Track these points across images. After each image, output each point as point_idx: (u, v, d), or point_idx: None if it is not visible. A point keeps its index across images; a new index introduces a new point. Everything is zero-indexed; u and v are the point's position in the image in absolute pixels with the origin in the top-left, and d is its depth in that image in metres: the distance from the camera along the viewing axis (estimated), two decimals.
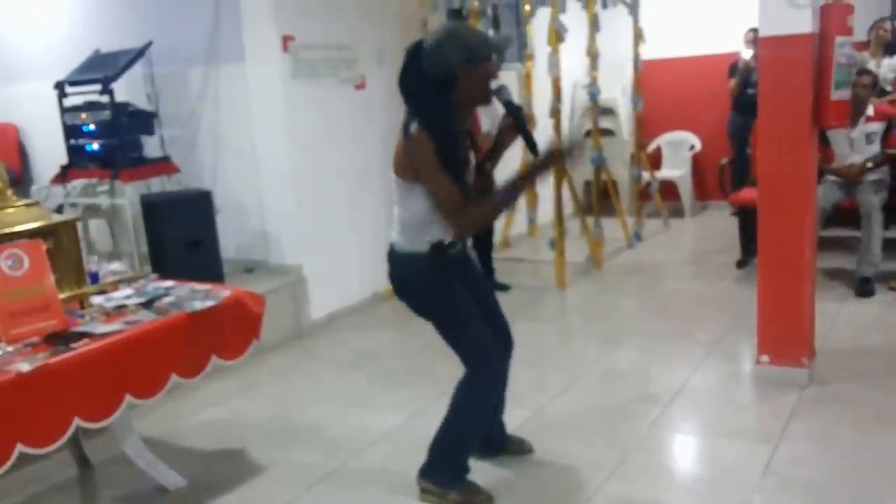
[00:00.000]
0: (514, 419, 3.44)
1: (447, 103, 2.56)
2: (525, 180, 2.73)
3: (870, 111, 5.15)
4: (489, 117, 5.42)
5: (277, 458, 3.30)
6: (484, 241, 5.62)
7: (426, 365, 4.29)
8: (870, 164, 5.11)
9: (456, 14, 6.10)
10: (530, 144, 2.67)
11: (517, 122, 2.68)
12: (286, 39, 4.78)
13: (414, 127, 2.55)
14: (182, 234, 4.46)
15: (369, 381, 4.13)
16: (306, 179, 5.00)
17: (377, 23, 5.49)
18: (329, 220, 5.18)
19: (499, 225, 6.64)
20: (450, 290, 2.74)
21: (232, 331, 3.00)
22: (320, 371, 4.36)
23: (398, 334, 4.98)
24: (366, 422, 3.59)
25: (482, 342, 2.79)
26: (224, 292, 3.03)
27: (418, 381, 4.05)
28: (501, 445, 3.17)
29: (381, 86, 5.52)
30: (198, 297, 2.97)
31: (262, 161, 5.01)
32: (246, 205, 5.13)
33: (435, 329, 2.82)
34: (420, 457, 3.21)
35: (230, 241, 5.04)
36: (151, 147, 5.08)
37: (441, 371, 4.11)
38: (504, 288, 5.64)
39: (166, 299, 2.95)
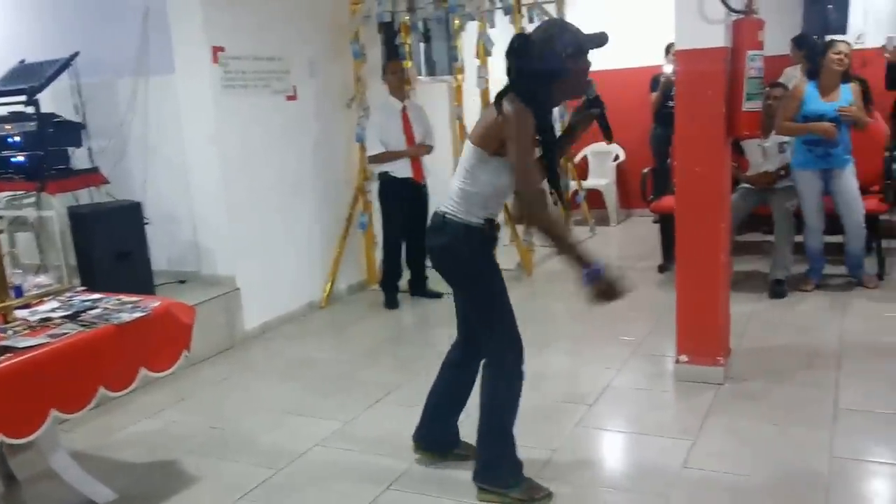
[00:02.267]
0: None
1: (550, 91, 2.62)
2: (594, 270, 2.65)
3: None
4: (421, 126, 5.53)
5: (210, 469, 3.31)
6: (417, 248, 5.71)
7: (360, 372, 4.35)
8: (782, 172, 5.38)
9: (387, 27, 6.20)
10: (606, 131, 2.78)
11: (601, 112, 2.74)
12: (216, 51, 4.79)
13: (512, 99, 2.57)
14: (111, 245, 4.41)
15: (303, 389, 4.16)
16: (239, 190, 5.01)
17: (308, 34, 5.54)
18: (262, 231, 5.19)
19: None
20: (495, 269, 2.82)
21: (162, 342, 2.98)
22: (254, 381, 4.37)
23: (333, 342, 5.02)
24: (300, 430, 3.62)
25: (514, 327, 2.83)
26: (153, 303, 3.02)
27: (353, 387, 4.10)
28: (451, 447, 3.18)
29: (312, 97, 5.58)
30: (126, 308, 2.96)
31: (193, 172, 4.99)
32: (177, 216, 5.11)
33: (469, 303, 2.86)
34: (356, 462, 3.28)
35: (161, 252, 5.01)
36: (79, 158, 5.00)
37: (375, 377, 4.22)
38: (437, 295, 5.73)
39: (93, 312, 2.92)
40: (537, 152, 2.64)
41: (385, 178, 5.47)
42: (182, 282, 5.06)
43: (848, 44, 5.11)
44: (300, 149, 5.53)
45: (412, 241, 5.69)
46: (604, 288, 2.62)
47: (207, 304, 4.67)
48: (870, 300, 4.96)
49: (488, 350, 2.86)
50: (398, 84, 5.44)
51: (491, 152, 2.61)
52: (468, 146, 2.68)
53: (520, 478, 2.88)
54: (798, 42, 6.56)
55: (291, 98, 5.40)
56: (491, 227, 2.77)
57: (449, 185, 2.78)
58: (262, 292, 5.13)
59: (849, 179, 5.08)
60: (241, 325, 5.00)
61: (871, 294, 5.09)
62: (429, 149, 5.55)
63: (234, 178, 4.98)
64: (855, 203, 5.09)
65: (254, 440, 3.57)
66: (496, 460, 2.87)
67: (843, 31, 6.28)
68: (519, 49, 2.60)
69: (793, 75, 6.33)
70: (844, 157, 5.05)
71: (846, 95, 5.00)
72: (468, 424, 3.06)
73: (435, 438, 3.18)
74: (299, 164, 5.51)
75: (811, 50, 6.55)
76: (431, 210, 5.83)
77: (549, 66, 2.55)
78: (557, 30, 2.61)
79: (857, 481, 2.88)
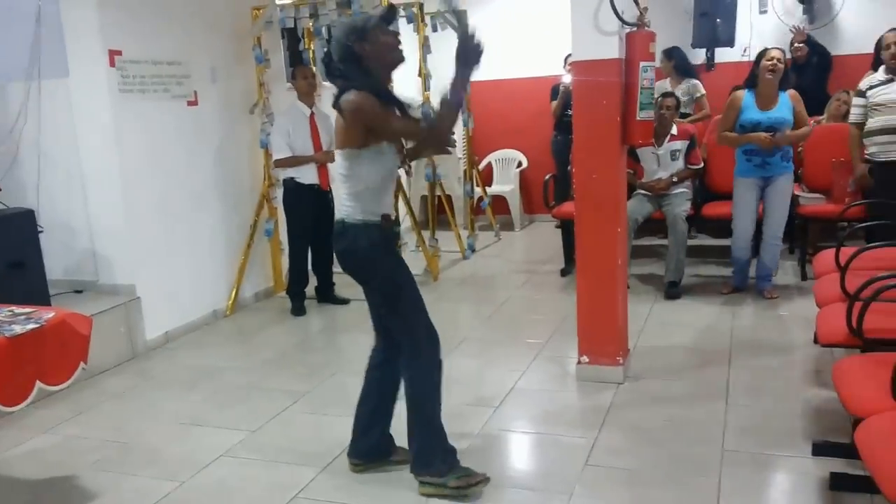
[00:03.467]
0: (350, 429, 3.53)
1: (367, 71, 2.76)
2: (463, 69, 2.73)
3: (674, 130, 5.68)
4: (327, 133, 5.51)
5: (110, 483, 3.22)
6: (323, 254, 5.69)
7: (266, 380, 4.31)
8: (675, 179, 5.63)
9: (290, 33, 6.16)
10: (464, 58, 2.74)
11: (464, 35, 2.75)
12: (113, 54, 4.66)
13: (350, 93, 2.71)
14: (2, 255, 4.21)
15: (208, 399, 4.09)
16: (138, 197, 4.88)
17: (210, 39, 5.45)
18: (164, 238, 5.08)
19: None
20: (400, 263, 2.93)
21: (57, 354, 2.90)
22: (156, 392, 4.27)
23: (238, 351, 4.95)
24: (204, 441, 3.56)
25: (426, 318, 2.91)
26: (47, 315, 2.93)
27: (258, 396, 4.06)
28: (388, 455, 3.19)
29: (214, 102, 5.49)
30: (18, 320, 2.86)
31: (89, 178, 4.83)
32: (73, 224, 4.92)
33: (380, 303, 2.95)
34: (262, 472, 3.24)
35: (57, 261, 4.84)
36: None
37: (282, 385, 4.18)
38: (344, 301, 5.73)
39: None
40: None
41: (290, 185, 5.43)
42: (79, 291, 4.89)
43: (781, 50, 5.11)
44: (202, 155, 5.43)
45: (318, 248, 5.67)
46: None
47: (106, 314, 4.54)
48: (758, 300, 5.23)
49: (403, 343, 2.92)
50: (308, 89, 5.42)
51: (359, 146, 2.74)
52: (338, 154, 2.83)
53: (454, 465, 2.95)
54: (668, 54, 6.85)
55: (192, 103, 5.30)
56: (388, 222, 2.87)
57: (340, 196, 2.89)
58: (164, 301, 5.02)
59: (784, 188, 5.12)
60: (142, 335, 4.87)
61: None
62: (334, 156, 5.53)
63: (134, 185, 4.85)
64: (780, 214, 5.16)
65: (156, 453, 3.49)
66: (428, 450, 2.94)
67: (730, 44, 6.61)
68: (326, 57, 2.86)
69: (663, 86, 6.60)
70: (783, 165, 5.08)
71: (784, 102, 5.03)
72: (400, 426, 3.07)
73: (369, 447, 3.16)
74: (202, 170, 5.42)
75: (680, 61, 6.89)
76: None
77: (344, 55, 2.75)
78: (338, 28, 2.87)
79: (749, 473, 3.02)
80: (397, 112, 2.79)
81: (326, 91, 6.73)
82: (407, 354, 2.93)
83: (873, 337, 2.82)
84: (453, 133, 2.89)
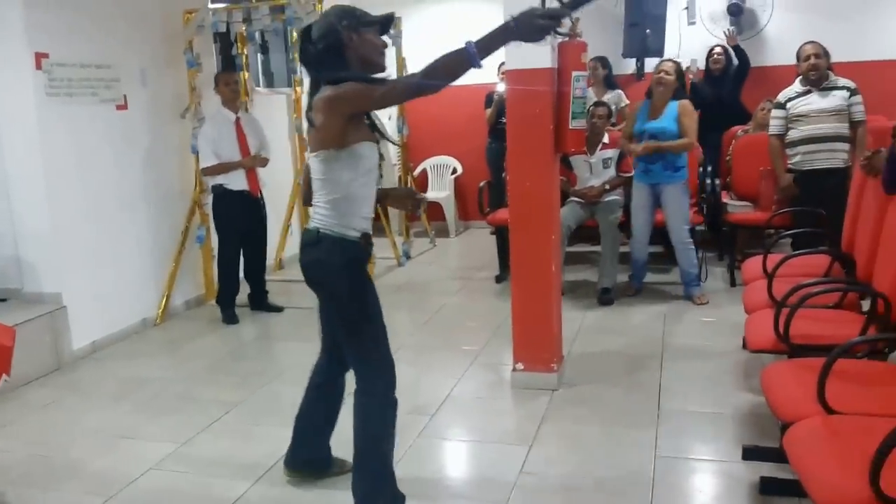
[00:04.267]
0: (288, 438, 3.48)
1: (345, 64, 2.54)
2: (511, 32, 2.32)
3: (606, 139, 5.78)
4: (256, 138, 5.43)
5: (34, 500, 3.10)
6: (256, 262, 5.59)
7: (198, 390, 4.21)
8: (607, 187, 5.73)
9: (223, 37, 6.05)
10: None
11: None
12: (39, 57, 4.50)
13: (320, 93, 2.51)
14: None
15: (136, 411, 3.97)
16: (65, 202, 4.72)
17: (140, 42, 5.32)
18: (92, 245, 4.92)
19: (271, 247, 6.62)
20: (371, 290, 2.70)
21: None
22: (82, 404, 4.12)
23: (169, 360, 4.83)
24: (133, 453, 3.45)
25: (387, 352, 2.73)
26: None
27: (189, 407, 3.96)
28: (325, 467, 3.12)
29: (144, 106, 5.36)
30: None
31: (13, 183, 4.65)
32: None
33: (340, 326, 2.73)
34: (192, 485, 3.17)
35: None
36: None
37: (213, 395, 4.09)
38: (277, 309, 5.65)
39: None
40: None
41: (219, 191, 5.32)
42: (2, 300, 4.71)
43: (673, 62, 5.36)
44: (132, 160, 5.29)
45: (251, 255, 5.57)
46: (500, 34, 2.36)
47: (30, 323, 4.38)
48: (691, 306, 5.34)
49: (358, 377, 2.73)
50: (231, 96, 5.33)
51: (337, 146, 2.52)
52: (313, 160, 2.61)
53: None
54: (604, 62, 6.99)
55: (122, 107, 5.16)
56: (368, 242, 2.70)
57: (314, 204, 2.66)
58: (91, 310, 4.86)
59: (674, 197, 5.33)
60: (68, 345, 4.70)
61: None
62: (264, 161, 5.46)
63: (60, 190, 4.69)
64: (675, 221, 5.38)
65: (82, 467, 3.37)
66: (373, 496, 2.75)
67: (660, 54, 6.76)
68: (303, 34, 2.61)
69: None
70: (668, 174, 5.30)
71: (670, 113, 5.24)
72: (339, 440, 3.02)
73: (307, 459, 3.10)
74: (132, 176, 5.27)
75: (610, 71, 7.04)
76: (271, 224, 5.80)
77: (328, 38, 2.52)
78: (332, 9, 2.61)
79: (680, 478, 3.08)
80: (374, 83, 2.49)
81: (260, 96, 6.66)
82: (360, 389, 2.72)
83: (800, 343, 2.89)
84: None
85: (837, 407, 2.33)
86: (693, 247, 5.44)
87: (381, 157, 2.82)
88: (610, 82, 7.03)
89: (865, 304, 3.17)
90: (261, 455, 3.35)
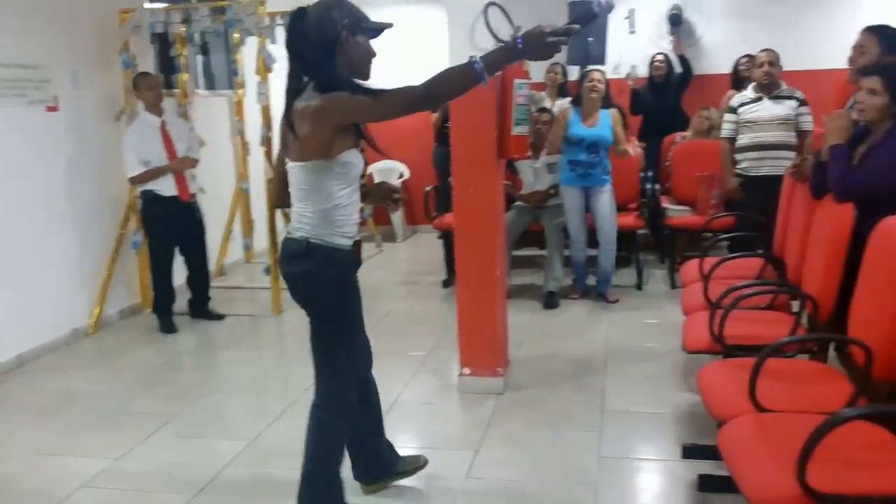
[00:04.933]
0: (229, 451, 3.40)
1: (333, 65, 2.41)
2: (519, 51, 2.28)
3: None
4: (184, 140, 5.30)
5: None
6: (196, 267, 5.47)
7: (131, 404, 4.09)
8: (551, 192, 5.76)
9: (161, 38, 5.92)
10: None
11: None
12: None
13: (307, 96, 2.39)
14: None
15: (67, 426, 3.83)
16: None
17: (72, 42, 5.16)
18: (19, 252, 4.74)
19: (213, 253, 6.48)
20: (354, 298, 2.64)
21: None
22: (8, 420, 3.95)
23: (102, 372, 4.67)
24: (64, 471, 3.32)
25: (353, 365, 2.68)
26: None
27: (123, 421, 3.83)
28: (392, 468, 3.05)
29: (77, 108, 5.20)
30: None
31: None
32: None
33: (320, 333, 2.62)
34: (127, 501, 3.07)
35: None
36: None
37: (149, 408, 3.98)
38: (219, 317, 5.53)
39: None
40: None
41: (149, 197, 5.17)
42: None
43: (602, 72, 5.52)
44: (64, 163, 5.11)
45: (190, 261, 5.44)
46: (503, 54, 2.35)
47: None
48: (632, 309, 5.41)
49: (322, 388, 2.67)
50: (154, 100, 5.18)
51: (327, 156, 2.42)
52: (296, 169, 2.47)
53: None
54: (563, 68, 7.07)
55: (52, 109, 4.99)
56: (358, 249, 2.63)
57: (298, 212, 2.54)
58: (17, 320, 4.69)
59: (605, 199, 5.49)
60: None
61: (636, 303, 5.54)
62: (193, 162, 5.33)
63: None
64: (606, 222, 5.50)
65: (8, 487, 3.23)
66: None
67: (601, 62, 6.83)
68: (295, 18, 2.45)
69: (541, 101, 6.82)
70: (602, 178, 5.46)
71: (605, 121, 5.40)
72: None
73: (372, 465, 3.01)
74: (63, 180, 5.10)
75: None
76: (209, 228, 5.68)
77: (324, 33, 2.40)
78: (335, 1, 2.46)
79: (623, 478, 3.11)
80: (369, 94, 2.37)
81: (201, 98, 6.52)
82: (320, 403, 2.67)
83: (733, 343, 2.95)
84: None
85: (768, 405, 2.38)
86: (615, 248, 5.59)
87: (366, 161, 2.76)
88: (564, 90, 7.10)
89: (797, 306, 3.23)
90: (199, 469, 3.26)
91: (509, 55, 2.32)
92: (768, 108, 5.06)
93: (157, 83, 5.27)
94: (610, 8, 2.44)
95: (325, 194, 2.47)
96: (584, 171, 5.45)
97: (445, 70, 2.34)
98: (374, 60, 2.52)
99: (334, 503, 2.75)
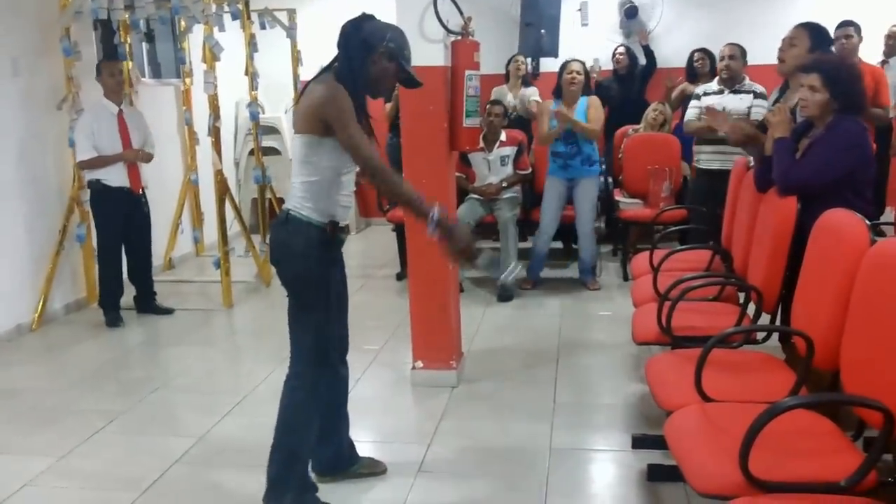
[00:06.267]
0: (177, 448, 3.34)
1: (365, 69, 2.62)
2: (416, 209, 2.59)
3: (503, 136, 5.82)
4: (140, 133, 5.21)
5: None
6: (140, 261, 5.37)
7: (76, 401, 3.98)
8: (504, 184, 5.77)
9: (104, 25, 5.77)
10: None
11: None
12: None
13: (322, 80, 2.58)
14: None
15: (8, 424, 3.72)
16: None
17: (10, 29, 5.00)
18: None
19: (160, 247, 6.37)
20: (328, 276, 2.73)
21: None
22: None
23: (45, 369, 4.56)
24: (6, 469, 3.23)
25: (326, 341, 2.76)
26: None
27: (67, 419, 3.74)
28: (349, 465, 3.08)
29: (16, 97, 5.05)
30: None
31: None
32: None
33: (290, 307, 2.74)
34: (73, 500, 3.02)
35: None
36: None
37: (94, 405, 3.90)
38: (167, 311, 5.43)
39: None
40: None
41: (97, 187, 5.05)
42: None
43: (581, 62, 5.57)
44: (4, 153, 4.96)
45: (134, 255, 5.33)
46: (455, 245, 2.62)
47: None
48: (586, 301, 5.46)
49: (293, 360, 2.78)
50: (115, 87, 5.08)
51: (321, 134, 2.56)
52: (297, 138, 2.63)
53: (309, 500, 2.80)
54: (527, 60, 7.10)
55: None
56: (334, 229, 2.69)
57: (292, 184, 2.69)
58: None
59: (588, 190, 5.59)
60: None
61: (588, 295, 5.60)
62: (148, 156, 5.24)
63: None
64: (587, 212, 5.62)
65: None
66: (283, 481, 2.75)
67: (554, 54, 6.84)
68: (361, 20, 2.67)
69: (503, 93, 6.83)
70: (584, 169, 5.55)
71: (581, 108, 5.48)
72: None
73: (329, 458, 3.01)
74: (4, 170, 4.95)
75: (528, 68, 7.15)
76: (159, 222, 5.57)
77: (370, 39, 2.61)
78: (395, 27, 2.74)
79: (575, 469, 3.14)
80: (362, 130, 2.60)
81: (146, 87, 6.38)
82: (292, 373, 2.78)
83: (680, 334, 2.99)
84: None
85: (713, 395, 2.42)
86: (595, 237, 5.70)
87: None
88: (526, 80, 7.11)
89: (743, 297, 3.29)
90: (146, 467, 3.20)
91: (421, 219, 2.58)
92: (727, 102, 4.96)
93: (121, 71, 5.16)
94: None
95: (312, 167, 2.61)
96: (564, 163, 5.56)
97: (406, 187, 2.66)
98: (390, 87, 2.77)
99: (298, 475, 2.78)
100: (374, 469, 3.11)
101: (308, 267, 2.69)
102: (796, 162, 3.05)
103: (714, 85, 5.20)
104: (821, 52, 3.55)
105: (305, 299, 2.72)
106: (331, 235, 2.69)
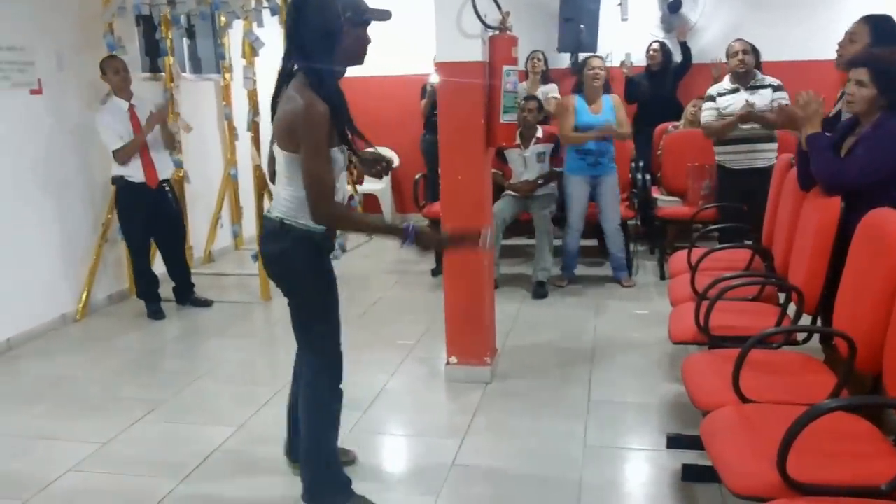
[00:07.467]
0: (216, 437, 3.40)
1: (331, 55, 2.46)
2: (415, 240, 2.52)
3: (539, 133, 5.80)
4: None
5: None
6: (174, 255, 5.44)
7: (120, 388, 4.08)
8: (540, 181, 5.75)
9: (147, 20, 5.86)
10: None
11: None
12: None
13: (297, 89, 2.42)
14: None
15: (54, 411, 3.82)
16: None
17: (56, 24, 5.10)
18: (6, 237, 4.71)
19: (201, 240, 6.47)
20: (329, 277, 2.70)
21: None
22: None
23: (89, 358, 4.64)
24: (50, 456, 3.32)
25: (337, 346, 2.76)
26: None
27: (111, 406, 3.82)
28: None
29: (62, 91, 5.15)
30: None
31: None
32: None
33: (296, 313, 2.72)
34: (115, 485, 3.07)
35: None
36: None
37: (136, 394, 3.98)
38: (206, 304, 5.51)
39: None
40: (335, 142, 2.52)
41: (121, 183, 5.09)
42: None
43: (601, 58, 5.59)
44: (49, 147, 5.07)
45: (167, 249, 5.40)
46: (427, 249, 2.63)
47: None
48: (621, 299, 5.42)
49: (309, 362, 2.76)
50: (121, 83, 5.08)
51: (295, 150, 2.47)
52: (278, 152, 2.53)
53: (348, 496, 2.81)
54: (544, 55, 7.03)
55: (36, 92, 4.94)
56: (333, 235, 2.70)
57: (277, 193, 2.62)
58: (5, 305, 4.66)
59: (611, 186, 5.60)
60: None
61: (623, 293, 5.56)
62: (161, 114, 5.20)
63: None
64: (612, 209, 5.62)
65: None
66: (320, 483, 2.78)
67: (593, 49, 6.82)
68: (295, 12, 2.47)
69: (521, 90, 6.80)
70: (610, 166, 5.58)
71: (608, 106, 5.48)
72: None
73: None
74: (49, 164, 5.06)
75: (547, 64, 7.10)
76: (198, 214, 5.64)
77: (327, 26, 2.43)
78: None
79: (607, 467, 3.12)
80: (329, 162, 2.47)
81: (187, 83, 6.47)
82: (308, 381, 2.76)
83: (718, 334, 2.96)
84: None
85: (751, 395, 2.40)
86: (623, 233, 5.70)
87: (351, 160, 2.80)
88: (545, 76, 7.07)
89: (784, 297, 3.24)
90: (186, 454, 3.26)
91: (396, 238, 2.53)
92: (753, 99, 4.93)
93: (124, 66, 5.13)
94: None
95: (298, 184, 2.50)
96: (595, 160, 5.53)
97: (371, 218, 2.81)
98: (366, 47, 2.55)
99: (335, 474, 2.81)
100: (344, 458, 3.08)
101: (314, 276, 2.65)
102: (842, 161, 2.99)
103: (727, 84, 5.11)
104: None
105: (313, 302, 2.69)
106: (331, 241, 2.70)
